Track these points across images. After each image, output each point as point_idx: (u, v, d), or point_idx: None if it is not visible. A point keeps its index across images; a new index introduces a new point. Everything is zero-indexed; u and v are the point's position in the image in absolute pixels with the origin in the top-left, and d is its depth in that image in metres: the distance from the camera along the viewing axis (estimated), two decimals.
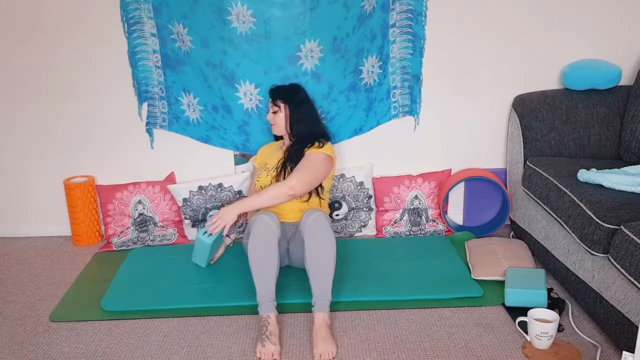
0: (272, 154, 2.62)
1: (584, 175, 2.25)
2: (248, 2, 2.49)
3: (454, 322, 2.15)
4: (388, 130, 2.91)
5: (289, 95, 2.55)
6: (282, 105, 2.53)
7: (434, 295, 2.30)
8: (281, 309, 2.18)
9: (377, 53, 2.74)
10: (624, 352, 1.46)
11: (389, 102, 2.86)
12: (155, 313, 2.25)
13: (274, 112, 2.55)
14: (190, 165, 2.95)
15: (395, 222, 2.93)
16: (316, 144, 2.47)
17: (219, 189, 2.88)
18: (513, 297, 2.18)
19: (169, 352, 2.02)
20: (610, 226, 1.93)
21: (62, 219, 3.01)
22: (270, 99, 2.57)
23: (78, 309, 2.31)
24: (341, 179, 2.89)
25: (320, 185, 2.50)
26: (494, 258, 2.47)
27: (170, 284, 2.44)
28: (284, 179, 2.42)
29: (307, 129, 2.53)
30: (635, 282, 1.77)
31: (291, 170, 2.43)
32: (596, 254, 1.98)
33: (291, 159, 2.47)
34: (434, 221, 2.93)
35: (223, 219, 2.32)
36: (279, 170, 2.47)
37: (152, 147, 2.92)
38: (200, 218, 2.91)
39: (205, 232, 2.36)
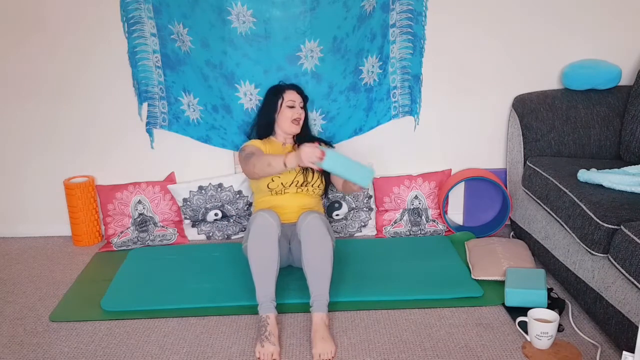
0: (279, 151, 2.56)
1: (584, 175, 2.24)
2: (248, 2, 2.49)
3: (454, 322, 2.15)
4: (388, 130, 2.91)
5: (305, 95, 2.61)
6: (303, 104, 2.58)
7: (434, 295, 2.29)
8: (281, 309, 2.18)
9: (377, 53, 2.74)
10: (624, 352, 1.46)
11: (389, 102, 2.86)
12: (155, 313, 2.25)
13: (302, 108, 2.58)
14: (190, 165, 2.95)
15: (395, 222, 2.92)
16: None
17: (219, 189, 2.88)
18: (513, 297, 2.18)
19: (169, 352, 2.02)
20: (610, 226, 1.93)
21: (62, 219, 3.01)
22: (299, 95, 2.56)
23: (78, 309, 2.31)
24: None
25: (331, 182, 2.60)
26: (494, 258, 2.47)
27: (170, 284, 2.44)
28: (312, 174, 2.50)
29: (309, 129, 2.67)
30: (635, 282, 1.77)
31: None
32: (596, 254, 1.98)
33: None
34: (434, 221, 2.92)
35: None
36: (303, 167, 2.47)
37: (152, 147, 2.92)
38: (200, 218, 2.91)
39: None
